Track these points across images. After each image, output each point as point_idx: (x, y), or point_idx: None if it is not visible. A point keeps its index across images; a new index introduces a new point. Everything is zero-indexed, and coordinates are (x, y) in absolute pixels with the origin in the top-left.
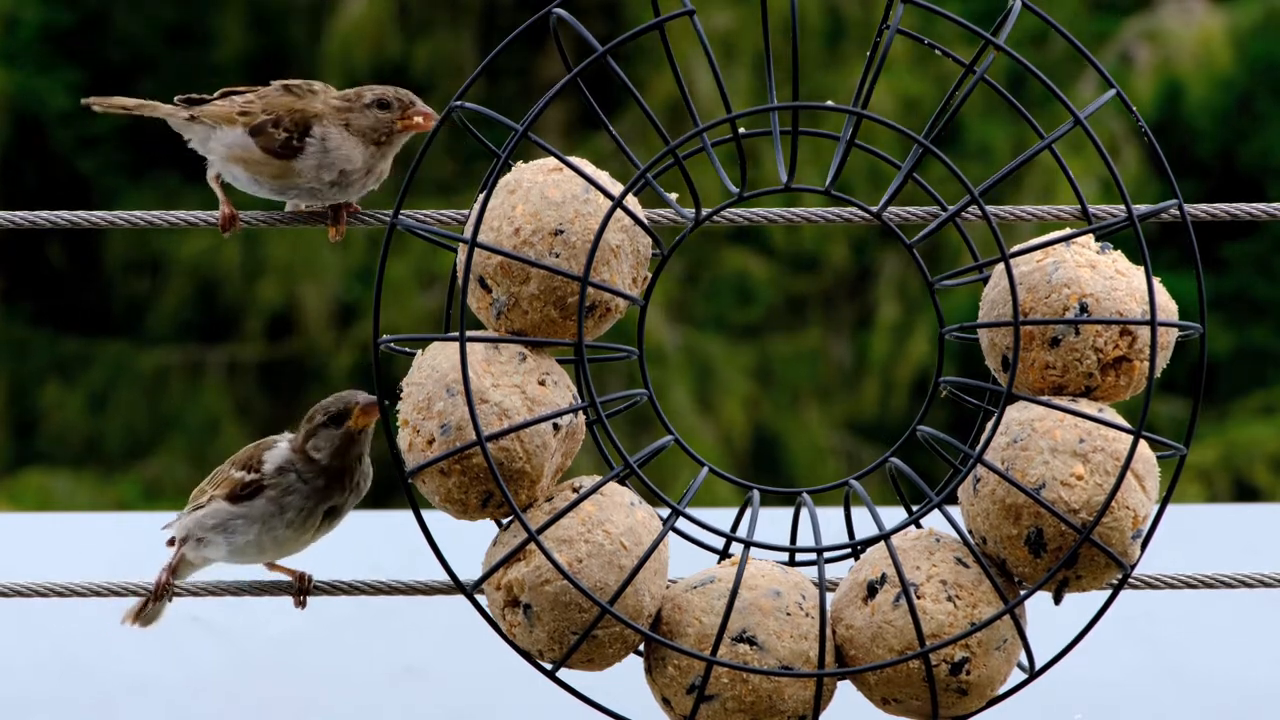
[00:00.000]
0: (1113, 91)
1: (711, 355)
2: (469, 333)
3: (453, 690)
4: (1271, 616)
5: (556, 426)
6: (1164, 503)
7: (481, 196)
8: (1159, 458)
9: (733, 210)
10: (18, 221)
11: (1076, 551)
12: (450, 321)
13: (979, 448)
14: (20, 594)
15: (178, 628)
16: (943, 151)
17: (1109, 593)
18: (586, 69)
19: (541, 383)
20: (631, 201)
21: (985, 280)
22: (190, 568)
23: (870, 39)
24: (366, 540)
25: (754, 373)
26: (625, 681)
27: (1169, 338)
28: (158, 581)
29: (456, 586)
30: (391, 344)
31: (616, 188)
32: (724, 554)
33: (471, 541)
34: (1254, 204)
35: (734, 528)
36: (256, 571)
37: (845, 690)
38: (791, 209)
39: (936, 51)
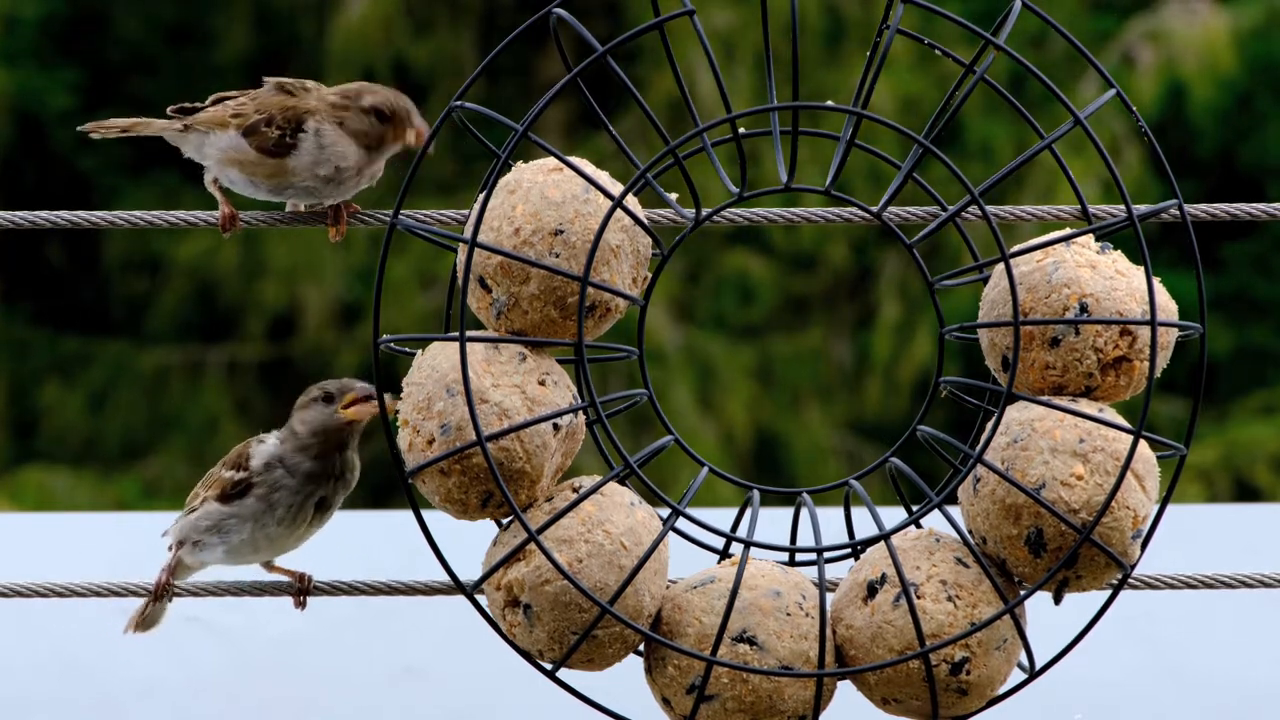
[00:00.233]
0: (1113, 91)
1: (712, 355)
2: (469, 333)
3: (453, 690)
4: (1271, 616)
5: (556, 426)
6: (1164, 503)
7: (481, 196)
8: (1159, 458)
9: (733, 210)
10: (18, 221)
11: (1076, 551)
12: (450, 321)
13: (979, 448)
14: (20, 594)
15: (178, 628)
16: (944, 151)
17: (1109, 593)
18: (586, 69)
19: (541, 383)
20: (631, 201)
21: (985, 280)
22: (188, 571)
23: (870, 38)
24: (366, 540)
25: (755, 373)
26: (625, 681)
27: (1169, 338)
28: (158, 582)
29: (456, 586)
30: (392, 344)
31: (616, 188)
32: (724, 554)
33: (471, 541)
34: (1254, 204)
35: (734, 528)
36: (256, 571)
37: (845, 690)
38: (792, 209)
39: (937, 51)
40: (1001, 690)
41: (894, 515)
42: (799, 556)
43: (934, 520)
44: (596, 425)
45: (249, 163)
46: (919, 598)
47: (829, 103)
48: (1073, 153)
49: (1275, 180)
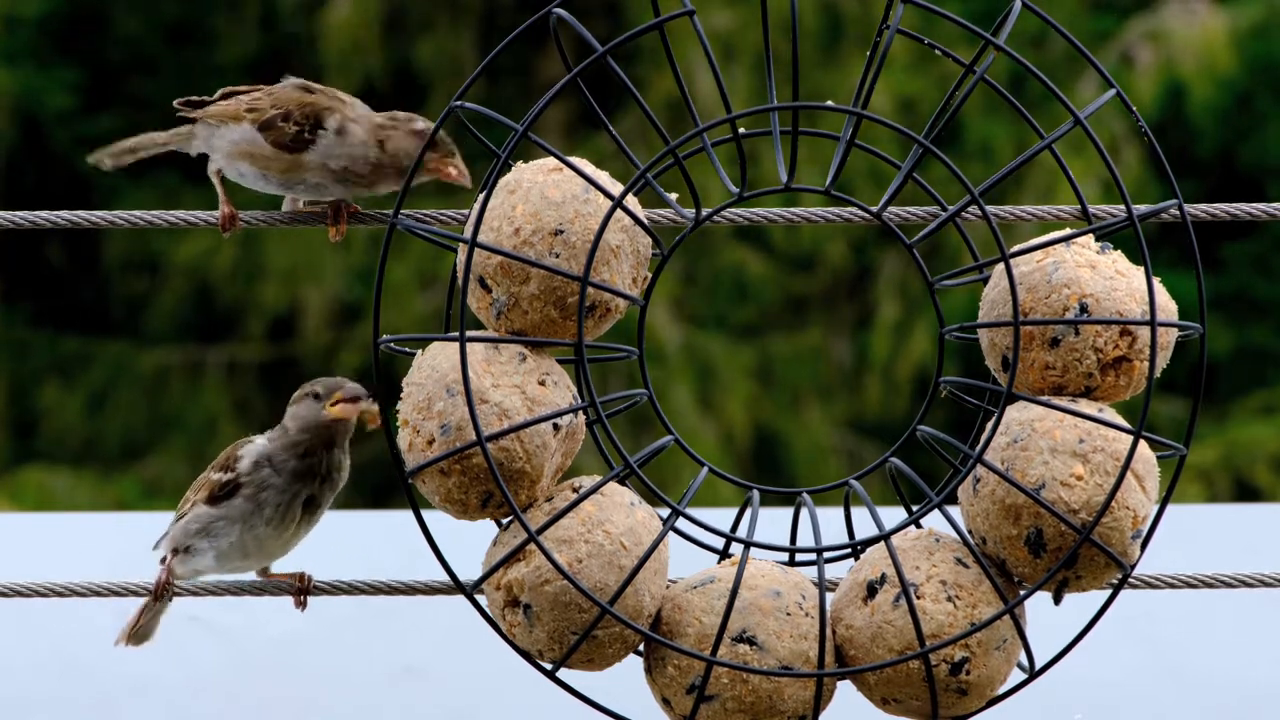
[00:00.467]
0: (1113, 91)
1: (712, 355)
2: (469, 333)
3: (453, 690)
4: (1271, 616)
5: (556, 426)
6: (1164, 503)
7: (481, 196)
8: (1159, 458)
9: (733, 210)
10: (18, 221)
11: (1076, 551)
12: (450, 321)
13: (979, 448)
14: (20, 594)
15: (178, 628)
16: (944, 151)
17: (1109, 593)
18: (586, 69)
19: (541, 383)
20: (631, 201)
21: (985, 280)
22: (181, 580)
23: (868, 38)
24: (366, 540)
25: (755, 372)
26: (625, 681)
27: (1169, 338)
28: (158, 581)
29: (456, 586)
30: (392, 344)
31: (616, 188)
32: (724, 554)
33: (471, 541)
34: (1254, 204)
35: (734, 528)
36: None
37: (845, 690)
38: (792, 209)
39: (937, 51)
40: (1001, 690)
41: (894, 515)
42: (799, 556)
43: (934, 520)
44: (596, 425)
45: (263, 157)
46: (919, 598)
47: (829, 103)
48: (1072, 153)
49: (1275, 180)
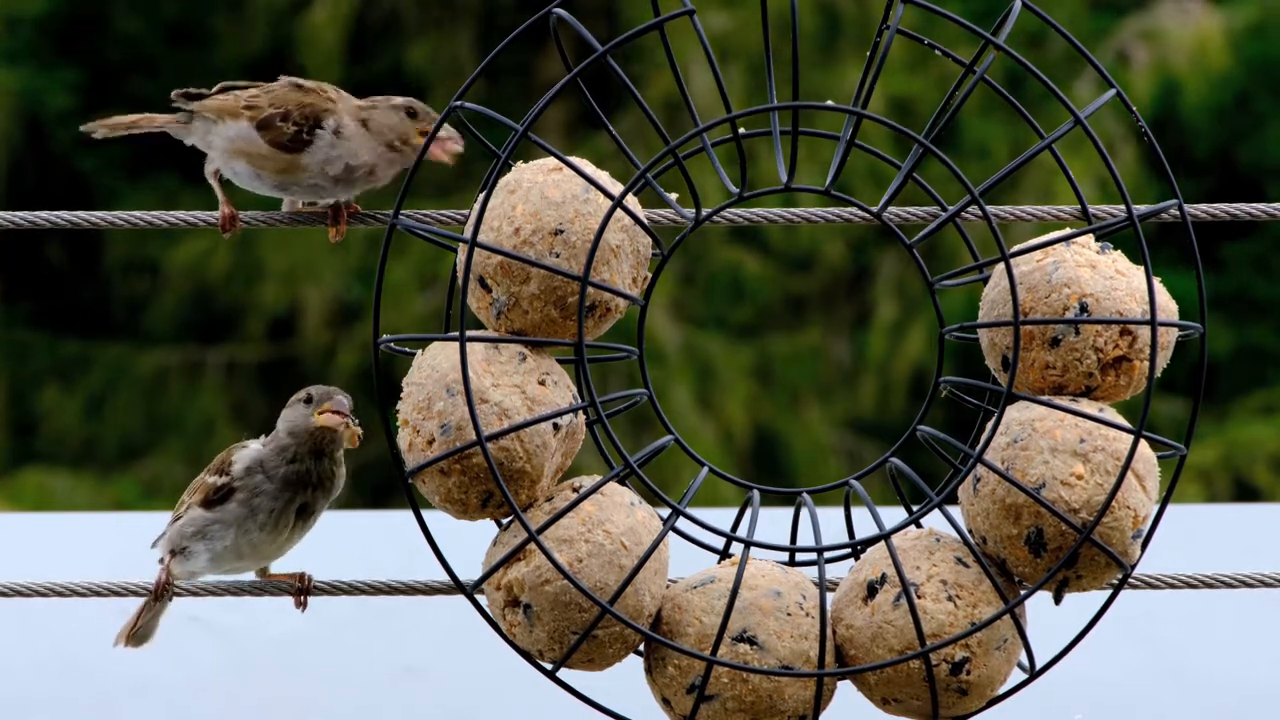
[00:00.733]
0: (1112, 92)
1: (712, 355)
2: (469, 333)
3: (453, 690)
4: (1271, 616)
5: (556, 426)
6: (1164, 503)
7: (481, 196)
8: (1159, 457)
9: (733, 210)
10: (18, 222)
11: (1077, 551)
12: (450, 321)
13: (979, 448)
14: (20, 594)
15: (178, 628)
16: (941, 151)
17: (1109, 593)
18: (586, 69)
19: (541, 383)
20: (631, 201)
21: (985, 280)
22: (180, 581)
23: (865, 37)
24: (366, 540)
25: (754, 372)
26: (625, 681)
27: (1169, 338)
28: (158, 581)
29: (456, 586)
30: (392, 344)
31: (616, 188)
32: (724, 554)
33: (471, 541)
34: (1254, 204)
35: (734, 528)
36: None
37: (845, 690)
38: (792, 209)
39: (936, 51)
40: (1001, 690)
41: (894, 515)
42: (799, 556)
43: (934, 520)
44: (596, 425)
45: (259, 156)
46: (919, 597)
47: (829, 102)
48: (1069, 152)
49: (1273, 180)
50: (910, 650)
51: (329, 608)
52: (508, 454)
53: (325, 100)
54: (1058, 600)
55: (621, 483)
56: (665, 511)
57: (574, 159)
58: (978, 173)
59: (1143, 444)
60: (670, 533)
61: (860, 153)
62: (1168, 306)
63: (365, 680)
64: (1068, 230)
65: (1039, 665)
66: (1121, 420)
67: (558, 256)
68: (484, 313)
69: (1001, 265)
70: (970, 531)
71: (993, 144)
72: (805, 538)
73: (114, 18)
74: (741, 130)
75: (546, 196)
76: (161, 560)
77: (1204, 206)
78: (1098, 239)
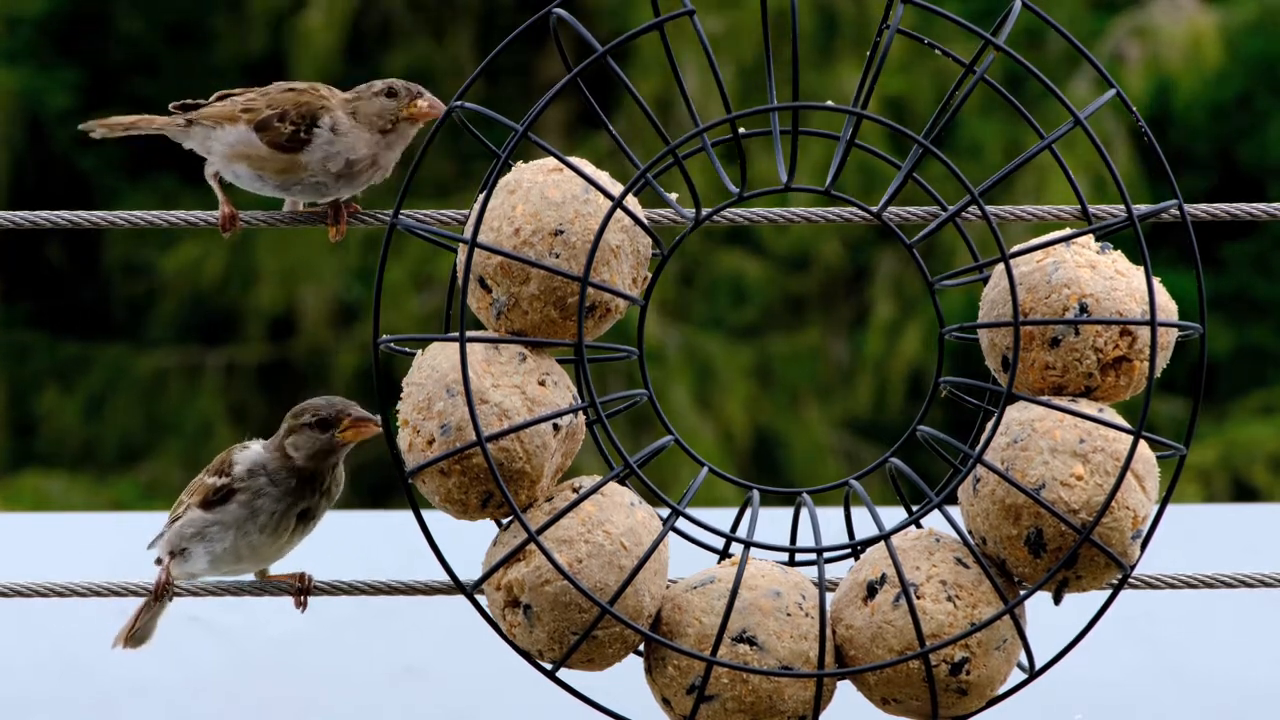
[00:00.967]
0: (1112, 92)
1: (711, 355)
2: (469, 333)
3: (453, 690)
4: (1271, 616)
5: (556, 426)
6: (1164, 503)
7: (481, 196)
8: (1159, 458)
9: (733, 210)
10: (18, 222)
11: (1076, 552)
12: (450, 321)
13: (979, 448)
14: (20, 594)
15: (178, 628)
16: (937, 151)
17: (1109, 593)
18: (585, 69)
19: (541, 383)
20: (631, 201)
21: (985, 280)
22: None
23: (862, 37)
24: (366, 540)
25: (753, 372)
26: (625, 681)
27: (1169, 338)
28: (158, 581)
29: (456, 586)
30: (391, 344)
31: (616, 188)
32: (724, 554)
33: (471, 541)
34: (1254, 204)
35: (734, 528)
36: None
37: (845, 690)
38: (792, 209)
39: (936, 51)
40: (1001, 690)
41: (894, 515)
42: (799, 556)
43: (934, 520)
44: (596, 425)
45: (259, 158)
46: (919, 598)
47: (829, 103)
48: (1064, 150)
49: (1273, 179)
50: (910, 650)
51: (329, 608)
52: (508, 454)
53: (319, 98)
54: (1057, 600)
55: (621, 483)
56: (665, 512)
57: (574, 159)
58: (972, 172)
59: (1142, 444)
60: (670, 533)
61: (852, 151)
62: (1167, 307)
63: (365, 680)
64: (1068, 230)
65: (1039, 665)
66: (1121, 420)
67: (558, 257)
68: (484, 313)
69: (1001, 265)
70: (970, 532)
71: (987, 143)
72: (805, 538)
73: (115, 18)
74: (741, 130)
75: (546, 197)
76: (160, 561)
77: (1204, 206)
78: (1097, 239)
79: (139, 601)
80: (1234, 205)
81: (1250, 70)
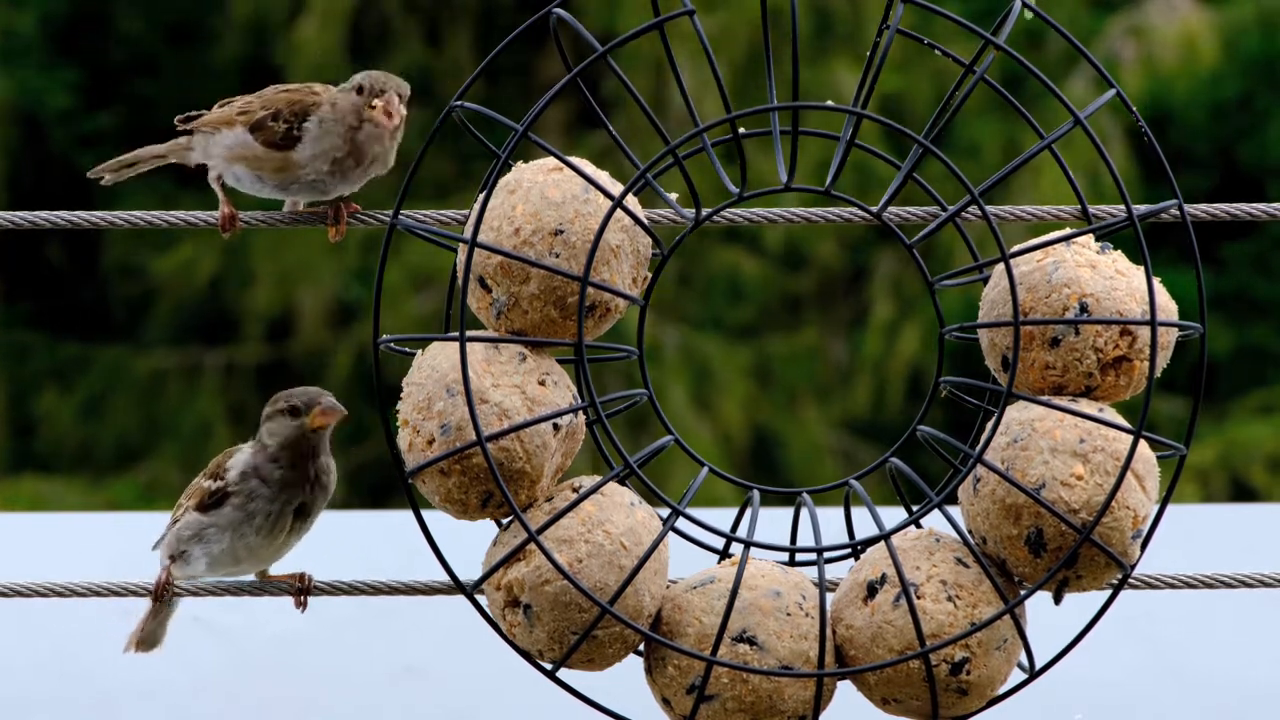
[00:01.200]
0: (1112, 92)
1: (709, 355)
2: (469, 333)
3: (453, 690)
4: (1271, 616)
5: (556, 426)
6: (1164, 503)
7: (481, 196)
8: (1159, 458)
9: (733, 210)
10: (18, 222)
11: (1076, 551)
12: (450, 321)
13: (979, 448)
14: (20, 594)
15: (178, 628)
16: (937, 151)
17: (1109, 593)
18: (583, 69)
19: (541, 383)
20: (631, 201)
21: (984, 280)
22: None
23: (856, 35)
24: (366, 540)
25: (752, 372)
26: (625, 681)
27: (1169, 338)
28: (158, 582)
29: (456, 586)
30: (391, 344)
31: (616, 188)
32: (724, 554)
33: (471, 541)
34: (1254, 204)
35: (734, 528)
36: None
37: (845, 690)
38: (792, 209)
39: (936, 51)
40: (1001, 690)
41: (894, 515)
42: (799, 556)
43: (934, 520)
44: (596, 425)
45: (255, 158)
46: (919, 598)
47: (830, 103)
48: (1062, 151)
49: (1275, 180)
50: (910, 650)
51: (329, 608)
52: (508, 454)
53: (310, 95)
54: (1058, 600)
55: (621, 483)
56: (665, 512)
57: (574, 159)
58: (970, 171)
59: (1142, 444)
60: (670, 533)
61: (848, 150)
62: (1167, 306)
63: (365, 680)
64: (1068, 230)
65: (1039, 665)
66: (1121, 420)
67: (558, 256)
68: (484, 313)
69: (1001, 265)
70: (970, 532)
71: (985, 143)
72: (805, 538)
73: (115, 18)
74: (741, 130)
75: (546, 196)
76: (162, 563)
77: (1204, 206)
78: (1097, 239)
79: (146, 604)
80: (1234, 205)
81: (1246, 70)
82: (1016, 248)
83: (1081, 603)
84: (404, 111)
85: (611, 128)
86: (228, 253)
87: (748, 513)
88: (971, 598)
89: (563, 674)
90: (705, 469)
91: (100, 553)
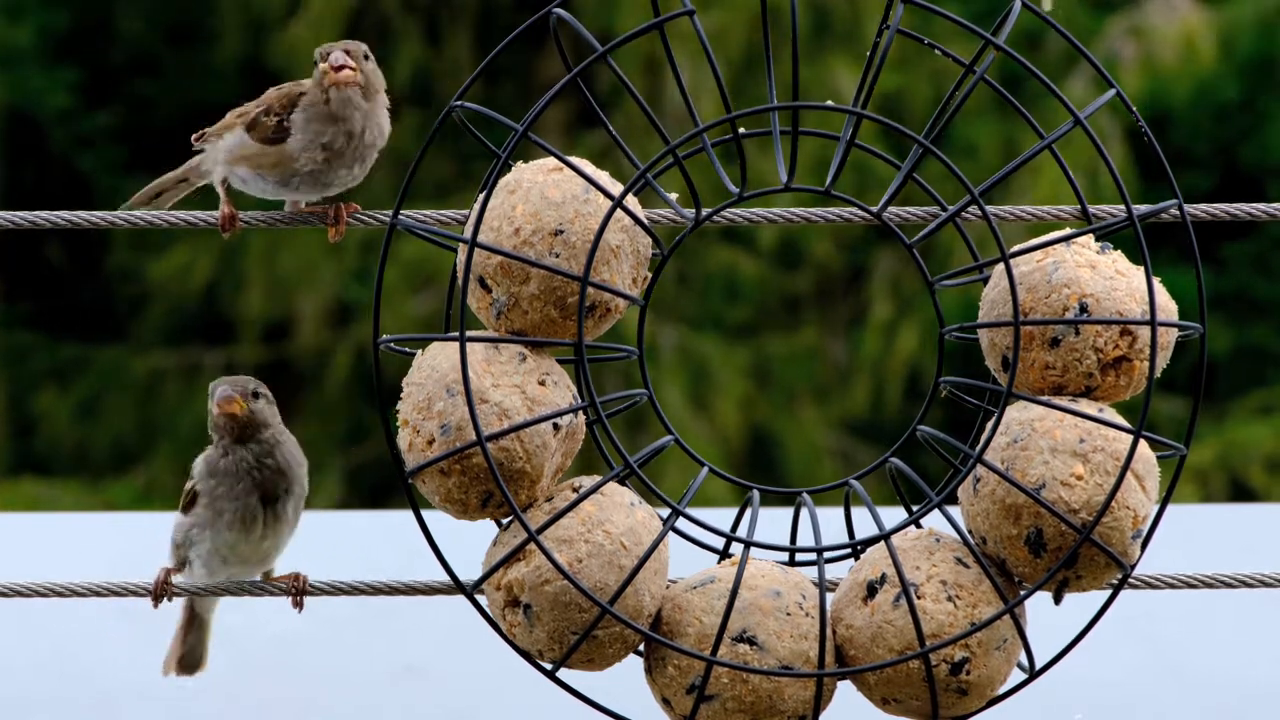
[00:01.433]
0: (1112, 92)
1: (706, 355)
2: (469, 333)
3: (453, 690)
4: (1271, 616)
5: (556, 426)
6: (1164, 503)
7: (481, 196)
8: (1159, 458)
9: (733, 210)
10: (18, 221)
11: (1076, 551)
12: (450, 321)
13: (979, 448)
14: (20, 594)
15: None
16: (937, 151)
17: (1109, 593)
18: (583, 69)
19: (541, 383)
20: (631, 201)
21: (984, 280)
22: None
23: (853, 34)
24: (366, 540)
25: (750, 372)
26: (625, 681)
27: (1169, 338)
28: (157, 581)
29: (456, 586)
30: (391, 344)
31: (616, 188)
32: (724, 554)
33: (471, 541)
34: (1254, 204)
35: (734, 528)
36: None
37: (845, 690)
38: (791, 209)
39: (937, 51)
40: (1001, 690)
41: (894, 515)
42: (799, 556)
43: (934, 520)
44: (596, 425)
45: (253, 156)
46: (919, 598)
47: (829, 103)
48: (1061, 151)
49: (1275, 180)
50: (910, 650)
51: (328, 608)
52: (508, 454)
53: (297, 88)
54: (1057, 600)
55: (621, 483)
56: (665, 511)
57: (574, 159)
58: (969, 171)
59: (1142, 444)
60: (670, 533)
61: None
62: (1167, 307)
63: (365, 680)
64: (1068, 230)
65: (1039, 665)
66: (1121, 420)
67: (558, 257)
68: (484, 313)
69: (1001, 265)
70: (970, 531)
71: (983, 143)
72: (805, 538)
73: (115, 18)
74: (741, 130)
75: (546, 197)
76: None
77: (1204, 206)
78: (1097, 239)
79: (176, 625)
80: (1234, 205)
81: (1246, 70)
82: (1016, 248)
83: (1081, 603)
84: (363, 66)
85: (611, 128)
86: (227, 253)
87: (748, 513)
88: (971, 598)
89: (563, 674)
90: (705, 469)
91: (100, 553)
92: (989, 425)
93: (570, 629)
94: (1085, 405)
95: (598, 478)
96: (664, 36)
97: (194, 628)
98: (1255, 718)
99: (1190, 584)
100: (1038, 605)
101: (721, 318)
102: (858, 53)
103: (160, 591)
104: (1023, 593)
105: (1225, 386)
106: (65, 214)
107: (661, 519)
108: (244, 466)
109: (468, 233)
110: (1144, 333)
